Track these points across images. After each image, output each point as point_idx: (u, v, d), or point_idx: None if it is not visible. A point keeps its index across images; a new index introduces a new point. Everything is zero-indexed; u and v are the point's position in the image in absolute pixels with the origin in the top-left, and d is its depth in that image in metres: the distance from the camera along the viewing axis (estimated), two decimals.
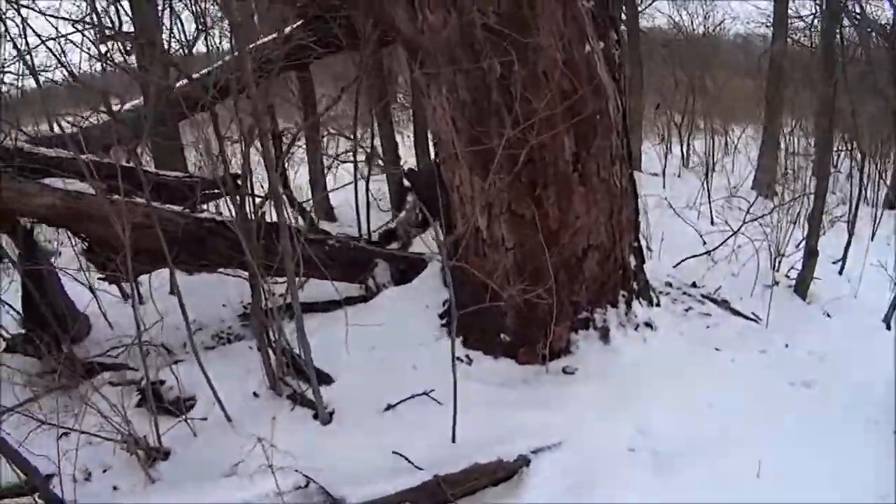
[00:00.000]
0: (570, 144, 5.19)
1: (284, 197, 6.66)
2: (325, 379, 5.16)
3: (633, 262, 6.04)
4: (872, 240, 11.65)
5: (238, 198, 4.81)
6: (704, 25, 19.94)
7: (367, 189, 8.14)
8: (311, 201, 9.08)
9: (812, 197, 7.72)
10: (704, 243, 8.11)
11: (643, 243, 7.43)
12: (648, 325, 5.92)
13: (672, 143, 16.30)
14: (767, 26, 16.57)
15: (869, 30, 19.46)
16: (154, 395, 4.79)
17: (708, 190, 10.33)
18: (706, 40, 19.40)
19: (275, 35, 5.84)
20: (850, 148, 15.08)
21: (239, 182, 4.92)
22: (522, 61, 4.89)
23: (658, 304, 6.29)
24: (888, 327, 7.31)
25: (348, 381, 5.29)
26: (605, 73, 5.35)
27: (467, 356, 5.60)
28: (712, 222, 9.37)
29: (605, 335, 5.67)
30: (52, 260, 8.06)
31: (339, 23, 6.59)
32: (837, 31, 11.09)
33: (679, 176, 13.69)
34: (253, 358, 5.34)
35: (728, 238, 7.89)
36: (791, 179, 12.31)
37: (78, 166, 4.79)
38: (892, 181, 15.43)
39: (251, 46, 6.79)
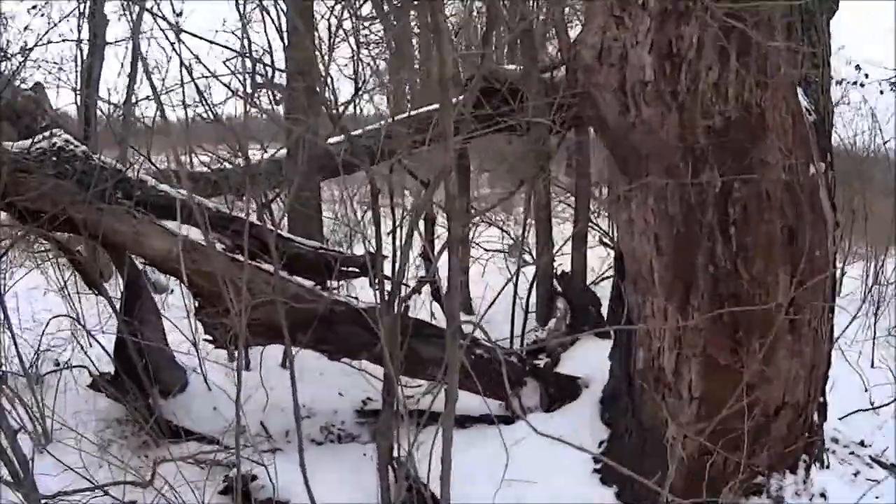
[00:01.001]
0: (786, 283, 4.46)
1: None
2: None
3: (816, 420, 5.26)
4: None
5: (383, 284, 4.26)
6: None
7: (515, 290, 7.31)
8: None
9: None
10: (866, 390, 7.24)
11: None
12: (823, 495, 5.11)
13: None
14: None
15: None
16: (243, 493, 4.32)
17: (874, 327, 9.33)
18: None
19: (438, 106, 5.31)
20: None
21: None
22: (744, 180, 4.25)
23: (828, 467, 5.48)
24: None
25: None
26: (826, 200, 4.67)
27: None
28: (872, 365, 8.46)
29: None
30: (163, 297, 7.72)
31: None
32: None
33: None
34: (366, 467, 4.70)
35: None
36: None
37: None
38: None
39: (412, 113, 6.41)
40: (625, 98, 4.38)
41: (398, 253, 4.44)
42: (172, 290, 8.23)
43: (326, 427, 5.92)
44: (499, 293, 6.58)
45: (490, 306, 6.30)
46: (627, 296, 5.03)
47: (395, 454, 4.52)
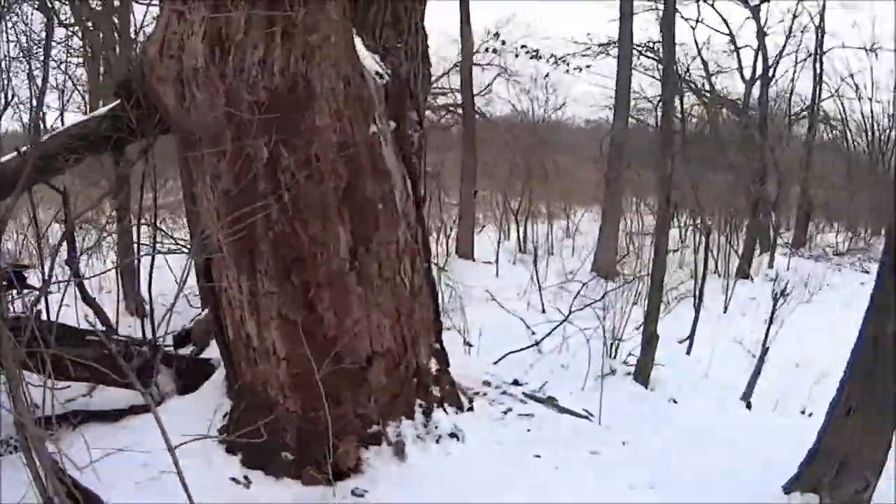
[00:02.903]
0: (347, 238, 4.75)
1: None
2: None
3: (433, 366, 5.61)
4: (725, 312, 11.87)
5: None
6: (545, 110, 20.39)
7: (151, 277, 7.26)
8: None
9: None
10: (533, 334, 7.83)
11: (464, 339, 7.11)
12: (454, 435, 5.44)
13: (510, 230, 16.37)
14: (609, 108, 17.04)
15: (719, 105, 20.49)
16: None
17: (537, 277, 10.09)
18: (548, 125, 19.83)
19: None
20: (695, 222, 15.61)
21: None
22: (293, 144, 4.48)
23: (470, 409, 5.85)
24: (748, 406, 7.27)
25: None
26: (392, 156, 5.00)
27: (245, 477, 4.95)
28: (543, 311, 9.16)
29: (400, 451, 5.14)
30: None
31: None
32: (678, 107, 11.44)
33: (514, 263, 13.58)
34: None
35: (556, 327, 7.64)
36: (633, 259, 12.44)
37: None
38: (743, 250, 15.93)
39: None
40: (181, 87, 4.55)
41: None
42: None
43: (6, 441, 5.72)
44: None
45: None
46: (213, 273, 5.17)
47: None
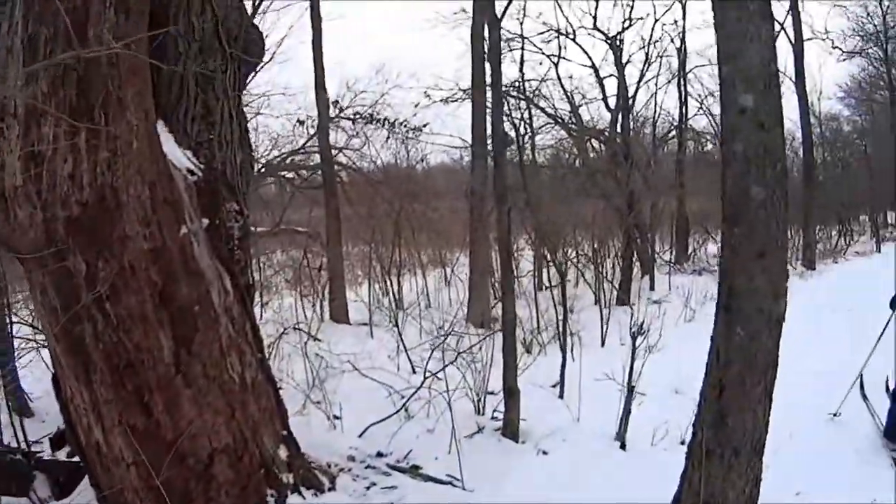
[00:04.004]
0: (169, 343, 4.89)
1: None
2: None
3: (283, 453, 5.73)
4: (603, 346, 12.07)
5: None
6: (408, 160, 20.80)
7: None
8: None
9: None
10: (402, 398, 7.91)
11: (328, 415, 7.17)
12: None
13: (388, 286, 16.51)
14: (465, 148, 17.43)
15: (587, 136, 21.08)
16: None
17: (400, 338, 10.20)
18: (422, 172, 20.15)
19: None
20: (575, 256, 15.98)
21: None
22: (107, 256, 4.60)
23: (332, 489, 5.99)
24: (622, 446, 7.38)
25: None
26: (205, 255, 5.16)
27: None
28: (413, 371, 9.24)
29: None
30: None
31: None
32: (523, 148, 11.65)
33: (390, 322, 13.60)
34: None
35: (416, 391, 7.70)
36: None
37: None
38: (621, 278, 16.32)
39: None
40: (5, 204, 4.64)
41: None
42: None
43: None
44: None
45: None
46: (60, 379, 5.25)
47: None
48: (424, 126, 18.26)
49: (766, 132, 4.42)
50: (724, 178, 4.58)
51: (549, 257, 15.63)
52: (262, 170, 16.33)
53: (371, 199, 16.66)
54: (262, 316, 13.04)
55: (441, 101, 18.51)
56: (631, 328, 8.12)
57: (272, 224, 15.79)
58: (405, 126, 18.08)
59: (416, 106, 18.23)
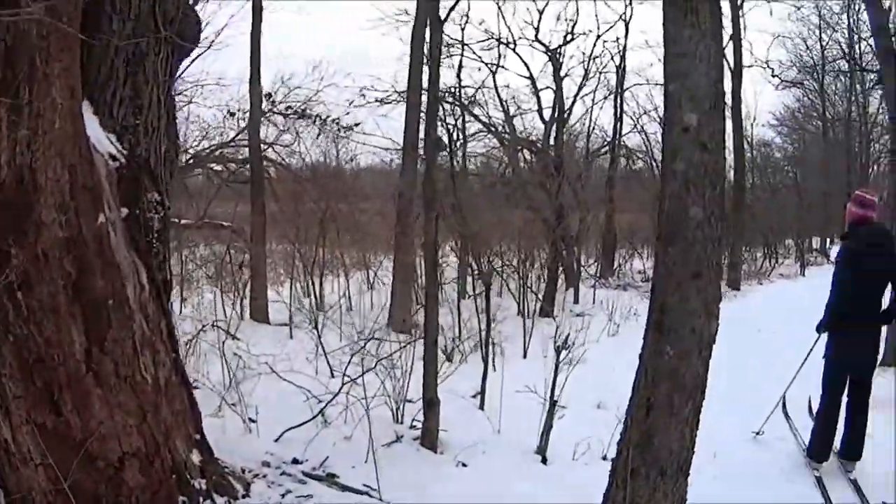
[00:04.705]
0: (81, 339, 4.69)
1: None
2: None
3: (196, 458, 5.56)
4: (525, 357, 12.10)
5: None
6: (337, 159, 20.76)
7: None
8: None
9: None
10: (320, 403, 7.80)
11: (243, 419, 7.04)
12: None
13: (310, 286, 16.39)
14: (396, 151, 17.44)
15: (519, 147, 21.19)
16: None
17: (319, 342, 10.07)
18: (339, 172, 20.05)
19: None
20: (501, 266, 16.04)
21: None
22: (22, 242, 4.40)
23: (246, 496, 5.85)
24: (543, 460, 7.37)
25: None
26: (122, 247, 4.98)
27: None
28: (332, 375, 9.13)
29: None
30: None
31: None
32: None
33: (311, 323, 13.45)
34: None
35: (334, 396, 7.57)
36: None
37: None
38: (545, 290, 16.41)
39: None
40: None
41: None
42: None
43: None
44: None
45: None
46: None
47: None
48: (356, 125, 18.26)
49: (707, 153, 4.41)
50: (663, 196, 4.57)
51: (473, 265, 15.69)
52: (191, 160, 16.15)
53: (298, 197, 16.52)
54: (181, 311, 12.92)
55: (376, 101, 18.50)
56: (555, 341, 8.13)
57: (196, 216, 15.56)
58: (337, 124, 18.04)
59: (350, 104, 18.22)
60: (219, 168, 17.61)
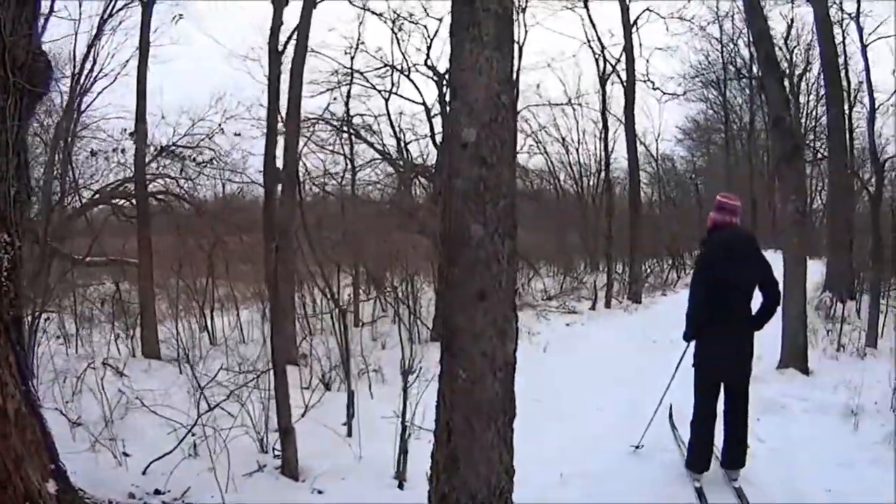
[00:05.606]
0: None
1: None
2: None
3: (52, 488, 5.88)
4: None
5: None
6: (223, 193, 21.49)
7: None
8: None
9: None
10: (193, 434, 8.03)
11: (114, 453, 7.42)
12: None
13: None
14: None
15: (413, 173, 21.76)
16: None
17: (193, 375, 10.37)
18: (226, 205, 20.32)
19: None
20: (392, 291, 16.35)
21: None
22: None
23: None
24: (400, 485, 7.64)
25: None
26: None
27: None
28: (209, 407, 9.46)
29: None
30: None
31: None
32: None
33: (202, 358, 13.68)
34: None
35: (192, 426, 7.86)
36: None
37: None
38: (435, 314, 16.78)
39: None
40: None
41: None
42: None
43: None
44: None
45: None
46: None
47: None
48: (211, 161, 18.82)
49: (487, 168, 4.48)
50: (445, 214, 4.64)
51: (360, 292, 16.05)
52: (96, 196, 16.37)
53: (186, 231, 16.77)
54: (77, 350, 13.17)
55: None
56: (402, 365, 8.60)
57: (101, 253, 15.84)
58: (221, 161, 18.45)
59: (236, 135, 18.80)
60: (123, 203, 17.93)
